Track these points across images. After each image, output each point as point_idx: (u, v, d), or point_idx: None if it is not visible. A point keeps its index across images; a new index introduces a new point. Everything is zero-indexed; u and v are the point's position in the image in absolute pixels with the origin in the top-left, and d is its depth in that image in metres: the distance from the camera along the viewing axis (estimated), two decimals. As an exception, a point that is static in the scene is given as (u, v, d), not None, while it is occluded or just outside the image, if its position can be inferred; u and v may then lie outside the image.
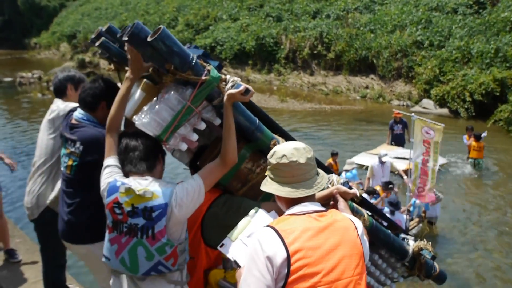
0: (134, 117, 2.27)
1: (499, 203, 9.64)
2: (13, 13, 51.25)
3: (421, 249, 2.78)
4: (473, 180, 11.15)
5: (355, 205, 2.40)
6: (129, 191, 2.17)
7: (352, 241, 1.82)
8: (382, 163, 9.29)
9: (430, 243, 2.86)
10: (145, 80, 2.51)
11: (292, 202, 1.88)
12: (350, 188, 2.33)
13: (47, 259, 3.72)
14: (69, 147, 2.87)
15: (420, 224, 8.52)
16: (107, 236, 2.31)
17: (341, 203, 2.19)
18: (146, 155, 2.29)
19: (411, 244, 2.82)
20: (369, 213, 2.61)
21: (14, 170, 4.41)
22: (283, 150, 1.89)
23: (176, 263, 2.24)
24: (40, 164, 3.50)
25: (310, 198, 1.90)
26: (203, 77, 2.09)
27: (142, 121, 2.17)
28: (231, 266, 2.39)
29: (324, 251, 1.73)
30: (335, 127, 16.42)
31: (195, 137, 2.27)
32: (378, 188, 8.68)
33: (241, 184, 2.56)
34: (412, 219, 8.35)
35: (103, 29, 2.73)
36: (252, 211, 2.14)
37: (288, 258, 1.67)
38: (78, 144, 2.79)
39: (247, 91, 2.17)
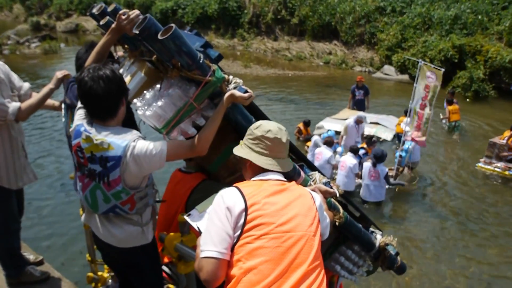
0: (135, 100, 2.35)
1: (456, 162, 10.07)
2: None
3: (387, 244, 2.97)
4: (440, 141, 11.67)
5: (333, 201, 2.52)
6: (88, 139, 2.24)
7: (307, 204, 1.94)
8: (358, 123, 9.67)
9: (396, 239, 3.05)
10: (147, 63, 2.48)
11: (259, 171, 2.02)
12: (331, 187, 2.46)
13: None
14: None
15: (404, 172, 9.08)
16: (76, 173, 2.45)
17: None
18: (108, 103, 2.26)
19: (378, 239, 2.99)
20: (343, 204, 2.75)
21: None
22: (269, 126, 2.04)
23: (134, 208, 2.35)
24: None
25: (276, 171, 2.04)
26: (208, 77, 2.15)
27: (145, 113, 2.24)
28: (187, 230, 2.49)
29: (280, 206, 1.85)
30: (298, 92, 16.49)
31: (193, 131, 2.33)
32: (364, 146, 9.18)
33: (229, 173, 2.69)
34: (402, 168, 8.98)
35: (108, 9, 2.66)
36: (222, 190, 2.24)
37: (246, 209, 1.80)
38: None
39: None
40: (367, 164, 8.03)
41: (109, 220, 2.40)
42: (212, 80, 2.16)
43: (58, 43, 25.25)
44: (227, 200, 1.83)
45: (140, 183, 2.31)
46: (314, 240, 1.86)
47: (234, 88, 2.23)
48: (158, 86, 2.35)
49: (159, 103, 2.21)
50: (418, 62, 8.69)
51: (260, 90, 16.24)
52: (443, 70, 8.56)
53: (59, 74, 3.27)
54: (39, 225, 6.68)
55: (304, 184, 2.41)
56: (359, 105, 12.27)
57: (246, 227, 1.78)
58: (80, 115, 2.37)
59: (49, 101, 3.53)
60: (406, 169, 9.16)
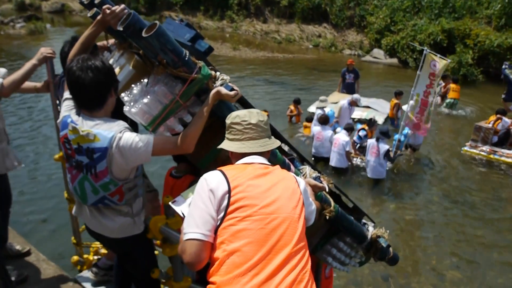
0: (122, 94, 2.33)
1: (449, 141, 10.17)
2: None
3: (378, 236, 2.99)
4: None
5: (324, 194, 2.52)
6: (74, 130, 2.23)
7: (291, 187, 1.93)
8: (352, 105, 9.92)
9: (388, 231, 3.06)
10: (136, 56, 2.44)
11: (241, 156, 2.02)
12: (321, 182, 2.46)
13: None
14: None
15: (400, 155, 9.25)
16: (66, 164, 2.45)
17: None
18: (96, 94, 2.24)
19: (370, 230, 3.01)
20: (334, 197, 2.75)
21: None
22: (237, 112, 2.06)
23: (123, 199, 2.34)
24: None
25: (260, 155, 2.03)
26: (194, 75, 2.13)
27: (131, 110, 2.21)
28: (172, 213, 2.47)
29: (264, 189, 1.84)
30: (287, 75, 16.43)
31: (180, 128, 2.31)
32: (366, 127, 9.39)
33: None
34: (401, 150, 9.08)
35: (96, 0, 2.61)
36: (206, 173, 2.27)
37: (229, 191, 1.79)
38: None
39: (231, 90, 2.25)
40: (371, 141, 8.23)
41: (100, 211, 2.40)
42: (198, 77, 2.14)
43: (43, 23, 24.77)
44: (210, 182, 1.82)
45: (128, 174, 2.30)
46: (298, 223, 1.85)
47: (221, 85, 2.22)
48: (145, 80, 2.32)
49: (145, 100, 2.20)
50: (423, 50, 8.72)
51: (249, 73, 16.15)
52: (449, 61, 8.68)
53: (44, 50, 3.17)
54: (21, 207, 6.60)
55: None
56: (349, 89, 12.26)
57: (230, 209, 1.77)
58: (67, 106, 2.36)
59: (31, 84, 3.44)
60: (408, 150, 9.47)
